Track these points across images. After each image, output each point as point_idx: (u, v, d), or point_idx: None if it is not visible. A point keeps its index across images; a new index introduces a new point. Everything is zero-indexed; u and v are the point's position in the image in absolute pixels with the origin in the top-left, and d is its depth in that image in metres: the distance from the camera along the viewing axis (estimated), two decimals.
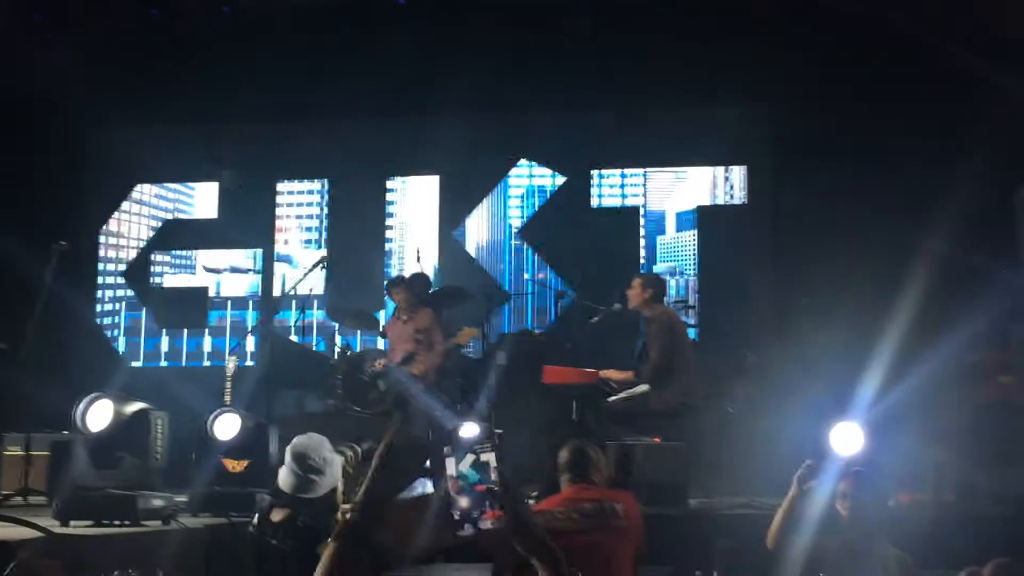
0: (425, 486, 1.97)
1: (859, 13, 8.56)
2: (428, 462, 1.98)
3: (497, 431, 5.89)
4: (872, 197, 8.44)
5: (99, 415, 5.54)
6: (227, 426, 6.35)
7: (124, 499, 5.26)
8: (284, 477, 4.61)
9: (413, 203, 10.28)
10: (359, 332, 9.45)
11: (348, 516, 1.92)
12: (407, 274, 8.91)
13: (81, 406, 5.54)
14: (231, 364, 7.07)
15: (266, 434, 6.43)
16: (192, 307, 10.32)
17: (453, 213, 10.14)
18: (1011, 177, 8.06)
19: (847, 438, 4.81)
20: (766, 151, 9.52)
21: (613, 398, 6.85)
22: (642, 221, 9.92)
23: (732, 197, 9.82)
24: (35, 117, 9.74)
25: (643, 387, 6.78)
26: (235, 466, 6.32)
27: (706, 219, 9.81)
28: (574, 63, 9.44)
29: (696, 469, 6.50)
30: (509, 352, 7.92)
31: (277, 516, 4.56)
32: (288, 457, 4.64)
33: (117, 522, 5.22)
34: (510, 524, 1.96)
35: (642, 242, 9.89)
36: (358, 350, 8.67)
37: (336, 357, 8.29)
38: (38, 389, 6.80)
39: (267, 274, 10.41)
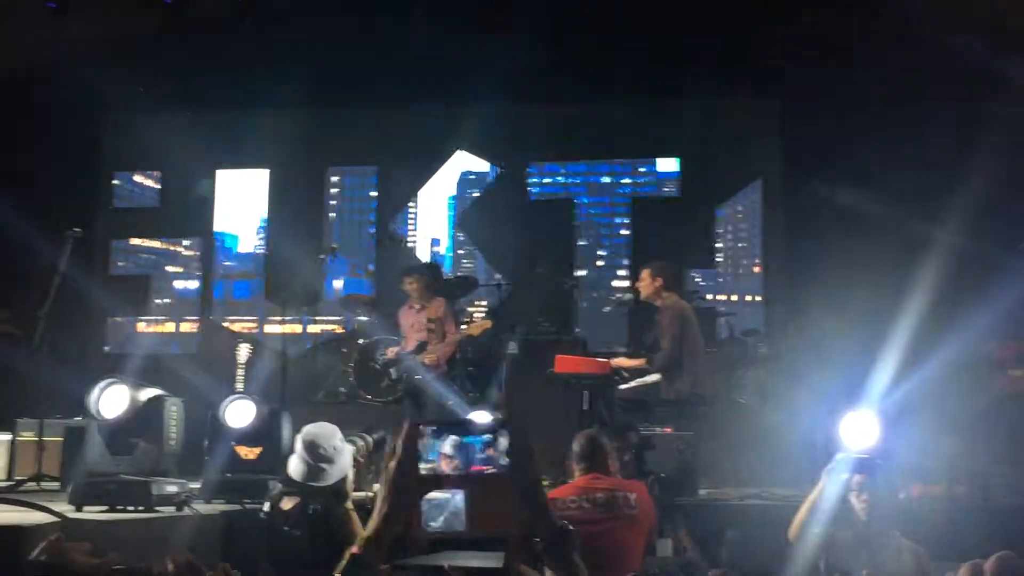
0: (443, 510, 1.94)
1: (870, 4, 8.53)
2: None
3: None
4: (886, 185, 8.41)
5: (114, 401, 5.55)
6: (240, 413, 6.35)
7: (138, 485, 5.28)
8: (295, 465, 4.62)
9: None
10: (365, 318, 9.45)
11: (354, 551, 1.89)
12: (421, 263, 8.92)
13: (95, 392, 5.55)
14: (244, 351, 7.07)
15: (279, 421, 6.43)
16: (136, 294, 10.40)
17: (392, 203, 10.27)
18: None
19: (860, 429, 4.80)
20: (779, 142, 9.50)
21: (624, 387, 6.85)
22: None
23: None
24: (40, 100, 9.74)
25: (654, 377, 6.78)
26: (248, 453, 6.33)
27: (639, 211, 10.02)
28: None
29: (707, 459, 6.50)
30: (520, 342, 7.93)
31: (288, 504, 4.58)
32: (299, 446, 4.65)
33: (131, 508, 5.24)
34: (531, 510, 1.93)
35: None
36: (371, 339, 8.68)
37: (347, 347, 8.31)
38: (51, 375, 6.83)
39: (206, 263, 10.48)
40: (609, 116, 9.72)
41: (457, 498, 1.94)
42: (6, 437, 7.16)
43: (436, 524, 1.95)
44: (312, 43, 9.34)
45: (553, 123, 9.76)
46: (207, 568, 2.18)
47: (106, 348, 10.19)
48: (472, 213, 10.25)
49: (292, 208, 10.19)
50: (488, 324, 8.31)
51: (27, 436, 7.00)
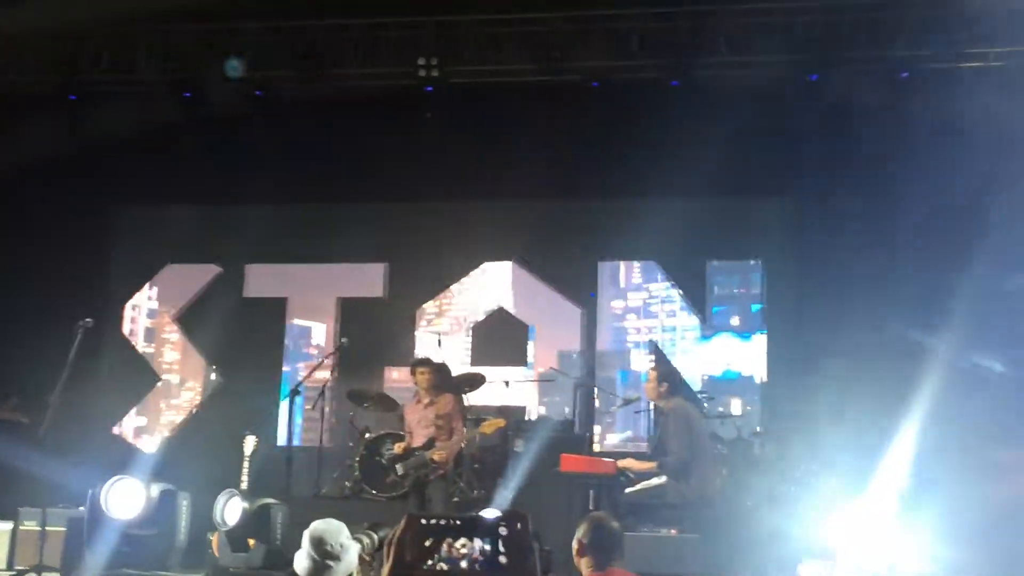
0: None
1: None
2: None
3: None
4: (887, 287, 8.50)
5: (125, 497, 5.54)
6: (234, 509, 6.31)
7: None
8: (300, 561, 4.59)
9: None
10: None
11: None
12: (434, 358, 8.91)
13: (104, 489, 5.54)
14: (250, 443, 7.01)
15: (270, 516, 6.37)
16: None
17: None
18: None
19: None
20: (784, 243, 9.60)
21: (630, 489, 6.83)
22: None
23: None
24: (64, 191, 9.95)
25: (660, 479, 6.76)
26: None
27: (348, 311, 10.27)
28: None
29: (713, 562, 6.43)
30: (527, 440, 7.92)
31: None
32: (305, 541, 4.63)
33: None
34: None
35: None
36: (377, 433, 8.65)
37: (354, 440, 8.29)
38: (57, 464, 6.82)
39: None
40: (323, 219, 10.11)
41: None
42: (8, 526, 7.12)
43: None
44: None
45: (268, 224, 10.00)
46: None
47: (114, 435, 10.19)
48: (189, 311, 10.46)
49: None
50: (501, 423, 8.34)
51: (29, 525, 6.95)
